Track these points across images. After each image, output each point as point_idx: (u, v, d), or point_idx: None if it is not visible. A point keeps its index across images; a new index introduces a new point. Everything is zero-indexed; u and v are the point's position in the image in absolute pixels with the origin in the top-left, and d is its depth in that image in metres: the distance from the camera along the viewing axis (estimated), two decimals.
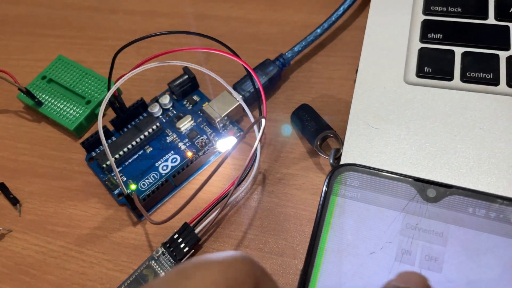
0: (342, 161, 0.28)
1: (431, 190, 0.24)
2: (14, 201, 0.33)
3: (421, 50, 0.31)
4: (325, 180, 0.25)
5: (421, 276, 0.16)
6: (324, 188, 0.25)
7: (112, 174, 0.33)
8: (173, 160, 0.33)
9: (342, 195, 0.25)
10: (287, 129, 0.33)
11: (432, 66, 0.30)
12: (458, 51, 0.31)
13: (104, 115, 0.37)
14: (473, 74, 0.30)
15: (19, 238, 0.32)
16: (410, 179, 0.24)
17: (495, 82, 0.29)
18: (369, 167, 0.25)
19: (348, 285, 0.23)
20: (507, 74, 0.29)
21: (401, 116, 0.29)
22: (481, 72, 0.30)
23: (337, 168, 0.26)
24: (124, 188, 0.29)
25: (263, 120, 0.28)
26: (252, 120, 0.33)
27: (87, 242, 0.31)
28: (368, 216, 0.24)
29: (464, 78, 0.30)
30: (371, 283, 0.23)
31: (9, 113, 0.39)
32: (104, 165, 0.32)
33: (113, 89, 0.28)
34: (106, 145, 0.27)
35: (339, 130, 0.31)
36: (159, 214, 0.31)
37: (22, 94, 0.36)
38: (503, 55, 0.30)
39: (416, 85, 0.30)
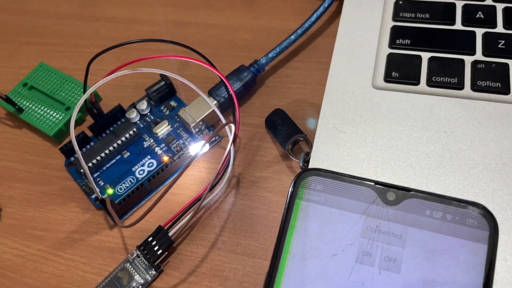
0: (311, 164, 0.29)
1: (391, 194, 0.25)
2: None
3: (389, 56, 0.32)
4: (291, 185, 0.26)
5: None
6: (290, 192, 0.26)
7: None
8: (150, 165, 0.34)
9: (307, 199, 0.26)
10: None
11: (400, 71, 0.31)
12: (425, 56, 0.32)
13: (83, 121, 0.38)
14: (438, 79, 0.30)
15: None
16: (371, 183, 0.25)
17: (459, 86, 0.30)
18: (332, 172, 0.26)
19: (311, 286, 0.24)
20: (472, 78, 0.30)
21: (368, 120, 0.30)
22: (447, 77, 0.30)
23: (301, 173, 0.26)
24: (98, 193, 0.29)
25: (233, 126, 0.29)
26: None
27: (64, 245, 0.32)
28: (331, 219, 0.25)
29: (430, 83, 0.30)
30: (333, 284, 0.24)
31: None
32: (82, 170, 0.33)
33: (87, 93, 0.29)
34: (80, 151, 0.27)
35: (311, 134, 0.32)
36: (134, 218, 0.32)
37: (3, 101, 0.37)
38: (468, 59, 0.31)
39: (384, 90, 0.31)
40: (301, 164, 0.31)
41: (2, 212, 0.34)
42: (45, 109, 0.37)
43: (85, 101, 0.34)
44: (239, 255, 0.30)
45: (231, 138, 0.30)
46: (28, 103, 0.38)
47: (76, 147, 0.27)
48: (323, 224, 0.25)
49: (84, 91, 0.32)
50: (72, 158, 0.35)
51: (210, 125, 0.35)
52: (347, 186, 0.25)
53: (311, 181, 0.26)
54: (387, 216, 0.24)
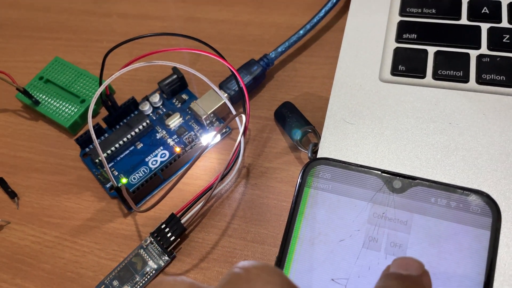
0: (319, 155, 0.30)
1: (397, 182, 0.26)
2: (12, 195, 0.35)
3: (396, 50, 0.33)
4: (300, 173, 0.27)
5: (418, 261, 0.16)
6: (299, 181, 0.27)
7: (105, 169, 0.35)
8: (162, 155, 0.35)
9: (315, 187, 0.27)
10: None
11: (406, 65, 0.32)
12: (431, 50, 0.32)
13: (97, 113, 0.39)
14: (444, 72, 0.31)
15: (17, 230, 0.34)
16: (377, 172, 0.26)
17: (465, 79, 0.31)
18: (340, 161, 0.27)
19: (319, 270, 0.25)
20: (477, 71, 0.31)
21: (375, 112, 0.31)
22: (452, 70, 0.31)
23: (310, 162, 0.27)
24: (114, 180, 0.30)
25: (243, 116, 0.30)
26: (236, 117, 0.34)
27: (80, 232, 0.33)
28: (339, 206, 0.26)
29: (436, 76, 0.31)
30: (340, 268, 0.25)
31: (8, 112, 0.41)
32: (97, 160, 0.34)
33: (103, 86, 0.30)
34: (97, 141, 0.29)
35: (319, 126, 0.33)
36: (147, 206, 0.33)
37: (21, 93, 0.38)
38: (473, 53, 0.32)
39: (391, 83, 0.32)
40: (309, 155, 0.31)
41: (20, 200, 0.35)
42: (61, 102, 0.38)
43: (100, 94, 0.35)
44: (249, 242, 0.31)
45: (241, 129, 0.31)
46: (44, 96, 0.39)
47: (93, 135, 0.28)
48: (331, 211, 0.26)
49: (100, 84, 0.33)
50: (87, 149, 0.36)
51: (221, 117, 0.36)
52: (354, 174, 0.26)
53: (319, 170, 0.27)
54: (393, 204, 0.25)
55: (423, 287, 0.15)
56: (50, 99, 0.39)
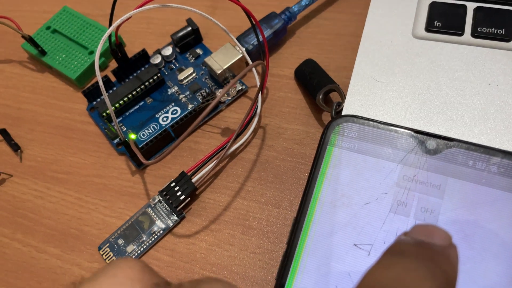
0: (344, 114, 0.28)
1: (431, 143, 0.23)
2: (15, 147, 0.33)
3: (432, 5, 0.30)
4: (323, 131, 0.25)
5: (445, 231, 0.13)
6: (321, 138, 0.25)
7: (112, 124, 0.33)
8: (174, 112, 0.33)
9: (339, 145, 0.24)
10: None
11: (443, 21, 0.29)
12: (471, 6, 0.30)
13: (106, 66, 0.37)
14: (484, 30, 0.28)
15: (19, 183, 0.32)
16: (410, 131, 0.24)
17: (507, 38, 0.28)
18: (369, 119, 0.24)
19: (341, 235, 0.23)
20: None
21: (408, 70, 0.28)
22: (493, 28, 0.28)
23: (335, 118, 0.25)
24: (122, 134, 0.28)
25: (263, 64, 0.27)
26: (255, 72, 0.32)
27: (85, 189, 0.31)
28: (365, 167, 0.24)
29: (475, 34, 0.28)
30: (364, 233, 0.23)
31: (13, 63, 0.39)
32: (104, 114, 0.32)
33: (113, 26, 0.27)
34: (104, 89, 0.26)
35: (344, 86, 0.30)
36: (157, 165, 0.31)
37: (26, 43, 0.36)
38: None
39: (425, 40, 0.29)
40: (332, 115, 0.29)
41: (23, 154, 0.34)
42: (68, 53, 0.36)
43: (110, 43, 0.33)
44: (263, 205, 0.29)
45: (259, 83, 0.29)
46: (51, 47, 0.37)
47: (100, 81, 0.26)
48: (356, 172, 0.24)
49: (110, 22, 0.30)
50: (94, 103, 0.34)
51: (237, 74, 0.33)
52: (383, 134, 0.24)
53: (345, 127, 0.25)
54: (425, 166, 0.23)
55: (448, 261, 0.12)
56: (57, 50, 0.37)
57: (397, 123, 0.25)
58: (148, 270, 0.14)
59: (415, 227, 0.13)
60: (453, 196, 0.22)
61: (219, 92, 0.32)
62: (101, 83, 0.26)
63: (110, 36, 0.32)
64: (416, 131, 0.24)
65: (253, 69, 0.32)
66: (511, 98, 0.26)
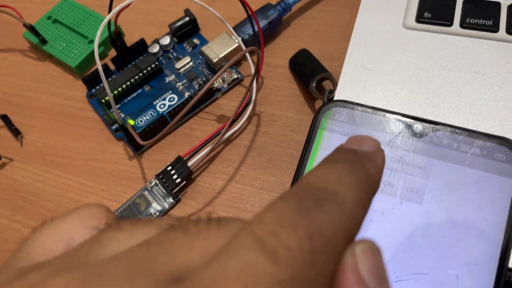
0: None
1: (418, 126, 0.24)
2: (16, 133, 0.34)
3: None
4: (315, 115, 0.26)
5: (375, 139, 0.14)
6: (312, 122, 0.26)
7: (111, 110, 0.33)
8: (171, 100, 0.33)
9: (330, 129, 0.25)
10: None
11: (433, 12, 0.30)
12: None
13: (105, 55, 0.38)
14: (473, 21, 0.29)
15: (20, 168, 0.33)
16: (397, 115, 0.25)
17: (494, 29, 0.29)
18: (358, 103, 0.25)
19: None
20: (507, 21, 0.29)
21: (398, 59, 0.29)
22: (481, 19, 0.29)
23: (326, 103, 0.26)
24: (119, 119, 0.29)
25: (256, 50, 0.28)
26: (250, 61, 0.33)
27: (84, 173, 0.32)
28: None
29: (463, 24, 0.29)
30: None
31: (14, 52, 0.39)
32: (103, 100, 0.33)
33: (113, 11, 0.28)
34: (103, 73, 0.27)
35: (336, 76, 0.31)
36: (154, 150, 0.32)
37: (28, 32, 0.37)
38: (504, 2, 0.30)
39: (415, 30, 0.30)
40: (325, 101, 0.30)
41: (24, 139, 0.34)
42: (69, 42, 0.37)
43: (109, 32, 0.33)
44: (257, 189, 0.29)
45: (253, 70, 0.30)
46: (51, 36, 0.38)
47: (100, 67, 0.27)
48: None
49: (110, 8, 0.31)
50: (93, 90, 0.35)
51: (233, 64, 0.34)
52: (372, 117, 0.25)
53: (335, 111, 0.25)
54: (412, 148, 0.24)
55: (373, 163, 0.13)
56: (57, 39, 0.37)
57: (386, 108, 0.26)
58: (109, 211, 0.15)
59: (349, 139, 0.15)
60: (437, 177, 0.23)
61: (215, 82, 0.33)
62: (100, 68, 0.27)
63: (109, 26, 0.33)
64: (403, 115, 0.25)
65: (249, 58, 0.33)
66: (496, 86, 0.27)
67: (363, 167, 0.13)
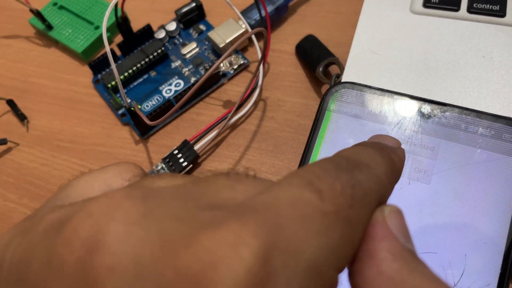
0: None
1: (426, 108, 0.24)
2: (22, 117, 0.34)
3: None
4: (322, 97, 0.26)
5: (395, 138, 0.16)
6: (320, 104, 0.26)
7: (117, 95, 0.33)
8: (177, 85, 0.33)
9: (337, 110, 0.25)
10: None
11: None
12: None
13: (112, 42, 0.38)
14: (480, 6, 0.29)
15: (26, 152, 0.33)
16: (405, 97, 0.25)
17: (501, 13, 0.29)
18: (366, 85, 0.25)
19: None
20: None
21: (405, 44, 0.29)
22: (488, 4, 0.29)
23: (334, 85, 0.26)
24: (127, 101, 0.29)
25: (264, 31, 0.28)
26: (257, 47, 0.33)
27: (90, 157, 0.32)
28: (362, 131, 0.25)
29: (471, 9, 0.29)
30: None
31: (20, 38, 0.39)
32: (110, 85, 0.33)
33: None
34: (111, 56, 0.27)
35: (342, 61, 0.31)
36: (160, 135, 0.32)
37: (34, 17, 0.37)
38: None
39: (422, 15, 0.30)
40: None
41: (30, 124, 0.34)
42: (75, 28, 0.37)
43: (116, 17, 0.33)
44: (263, 173, 0.30)
45: (260, 55, 0.30)
46: (57, 22, 0.38)
47: (108, 48, 0.27)
48: (353, 136, 0.25)
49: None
50: (99, 75, 0.35)
51: (240, 49, 0.34)
52: (380, 99, 0.25)
53: (343, 93, 0.25)
54: (420, 129, 0.24)
55: (397, 156, 0.14)
56: (63, 25, 0.37)
57: (394, 90, 0.26)
58: (143, 170, 0.15)
59: (372, 136, 0.16)
60: (445, 157, 0.23)
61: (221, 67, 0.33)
62: (108, 50, 0.27)
63: (116, 10, 0.33)
64: (412, 97, 0.25)
65: (256, 44, 0.33)
66: (503, 69, 0.27)
67: (389, 154, 0.14)
